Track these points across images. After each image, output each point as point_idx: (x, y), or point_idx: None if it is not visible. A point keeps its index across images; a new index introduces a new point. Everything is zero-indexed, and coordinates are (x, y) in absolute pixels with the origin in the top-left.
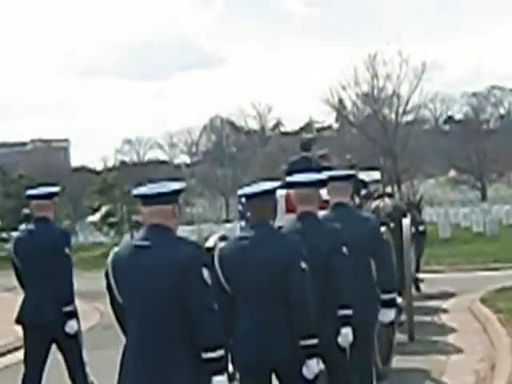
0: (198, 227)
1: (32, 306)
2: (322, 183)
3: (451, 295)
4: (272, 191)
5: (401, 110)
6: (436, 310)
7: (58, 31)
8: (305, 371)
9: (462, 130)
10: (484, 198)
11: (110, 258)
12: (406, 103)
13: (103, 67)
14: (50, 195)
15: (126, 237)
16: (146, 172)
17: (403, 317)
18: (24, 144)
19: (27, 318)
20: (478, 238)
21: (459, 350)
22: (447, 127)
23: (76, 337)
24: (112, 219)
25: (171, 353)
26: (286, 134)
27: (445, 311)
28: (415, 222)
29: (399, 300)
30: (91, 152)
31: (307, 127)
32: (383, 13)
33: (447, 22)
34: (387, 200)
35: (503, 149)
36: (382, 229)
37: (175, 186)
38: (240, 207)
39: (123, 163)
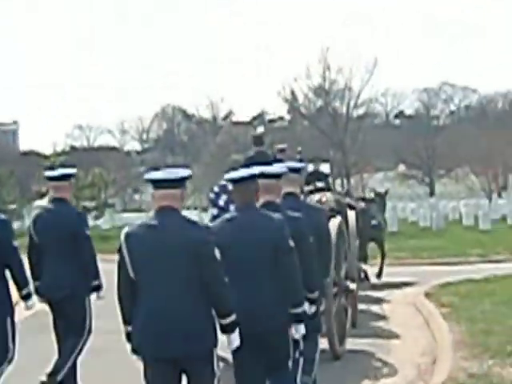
0: (146, 215)
1: (50, 283)
2: (281, 175)
3: (396, 286)
4: (257, 176)
5: (352, 104)
6: (380, 301)
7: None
8: (294, 334)
9: (413, 125)
10: (432, 193)
11: (122, 237)
12: (358, 97)
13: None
14: (68, 177)
15: None
16: (96, 158)
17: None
18: None
19: (47, 294)
20: (425, 233)
21: (401, 343)
22: (398, 122)
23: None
24: None
25: (188, 315)
26: (237, 123)
27: (388, 302)
28: (368, 216)
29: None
30: (41, 136)
31: (259, 118)
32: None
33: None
34: (328, 194)
35: (452, 145)
36: (338, 220)
37: (184, 172)
38: (212, 195)
39: (73, 148)
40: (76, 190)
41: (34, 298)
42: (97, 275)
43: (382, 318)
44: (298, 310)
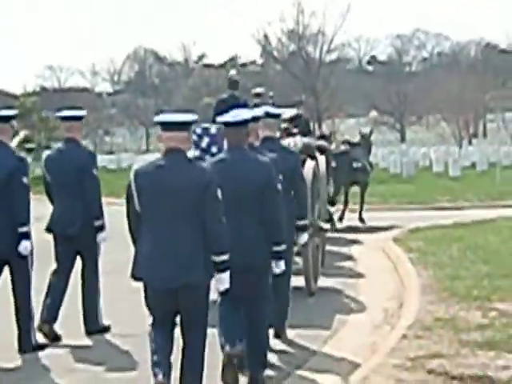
0: (117, 157)
1: (61, 219)
2: (258, 119)
3: (365, 231)
4: (249, 120)
5: (325, 49)
6: (349, 244)
7: None
8: (275, 269)
9: (385, 71)
10: (403, 139)
11: (131, 174)
12: (331, 42)
13: None
14: (80, 118)
15: None
16: (67, 99)
17: None
18: None
19: (57, 229)
20: (395, 179)
21: (369, 288)
22: (370, 68)
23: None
24: (30, 145)
25: (187, 249)
26: (209, 66)
27: (357, 246)
28: (350, 159)
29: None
30: (11, 77)
31: (231, 61)
32: None
33: None
34: (298, 138)
35: (424, 92)
36: (313, 163)
37: (191, 116)
38: (194, 137)
39: (43, 89)
40: (47, 130)
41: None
42: (101, 215)
43: (351, 261)
44: (280, 248)
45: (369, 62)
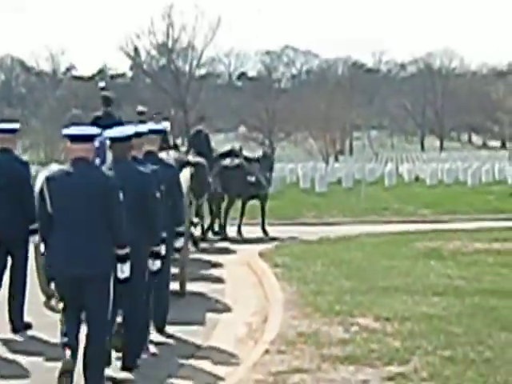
0: None
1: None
2: (141, 135)
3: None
4: (132, 136)
5: (195, 63)
6: (213, 264)
7: None
8: (119, 274)
9: (255, 87)
10: None
11: (43, 180)
12: (200, 56)
13: None
14: (14, 130)
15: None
16: None
17: None
18: None
19: None
20: None
21: (233, 303)
22: (240, 83)
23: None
24: None
25: (94, 244)
26: (78, 78)
27: (221, 265)
28: (245, 173)
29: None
30: None
31: (100, 73)
32: None
33: None
34: (171, 152)
35: (292, 109)
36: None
37: (95, 130)
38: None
39: None
40: None
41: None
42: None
43: (216, 280)
44: (157, 248)
45: (238, 78)
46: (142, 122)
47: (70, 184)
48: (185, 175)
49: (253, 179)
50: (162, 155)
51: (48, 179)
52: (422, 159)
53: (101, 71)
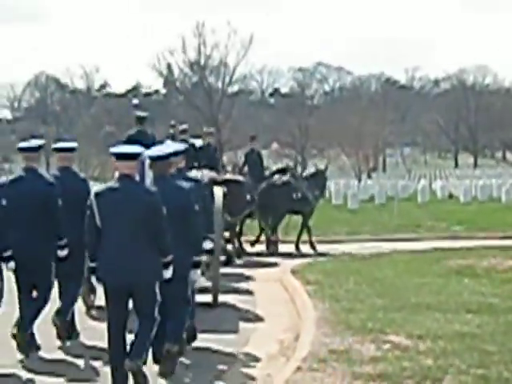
0: None
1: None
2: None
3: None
4: (172, 155)
5: (227, 80)
6: (245, 278)
7: None
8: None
9: (287, 103)
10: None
11: (92, 195)
12: (233, 73)
13: None
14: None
15: None
16: None
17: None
18: None
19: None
20: None
21: (266, 320)
22: (272, 100)
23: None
24: None
25: (141, 253)
26: (111, 95)
27: (254, 280)
28: (290, 190)
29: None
30: None
31: (134, 91)
32: None
33: None
34: (205, 171)
35: (325, 125)
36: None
37: (140, 149)
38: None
39: None
40: None
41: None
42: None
43: (249, 295)
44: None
45: (271, 95)
46: (185, 140)
47: (117, 199)
48: (217, 193)
49: (297, 195)
50: (196, 173)
51: (96, 194)
52: (456, 176)
53: (134, 88)
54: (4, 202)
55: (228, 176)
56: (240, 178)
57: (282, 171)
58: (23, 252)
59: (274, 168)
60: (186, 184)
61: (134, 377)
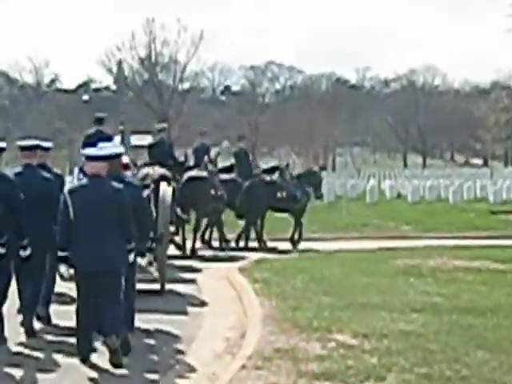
0: None
1: None
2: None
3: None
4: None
5: (178, 77)
6: (194, 273)
7: None
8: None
9: (238, 101)
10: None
11: (66, 192)
12: (183, 70)
13: None
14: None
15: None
16: None
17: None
18: None
19: None
20: None
21: (212, 317)
22: (224, 98)
23: None
24: None
25: (110, 239)
26: (62, 90)
27: (201, 275)
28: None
29: None
30: None
31: (84, 86)
32: None
33: None
34: (157, 168)
35: (276, 124)
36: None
37: (112, 150)
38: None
39: None
40: None
41: None
42: None
43: (195, 289)
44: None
45: (222, 92)
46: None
47: (88, 196)
48: (165, 189)
49: (282, 195)
50: (149, 170)
51: (70, 191)
52: (405, 176)
53: (85, 84)
54: None
55: (193, 173)
56: (204, 174)
57: (272, 170)
58: None
59: (264, 167)
60: (119, 185)
61: (113, 354)
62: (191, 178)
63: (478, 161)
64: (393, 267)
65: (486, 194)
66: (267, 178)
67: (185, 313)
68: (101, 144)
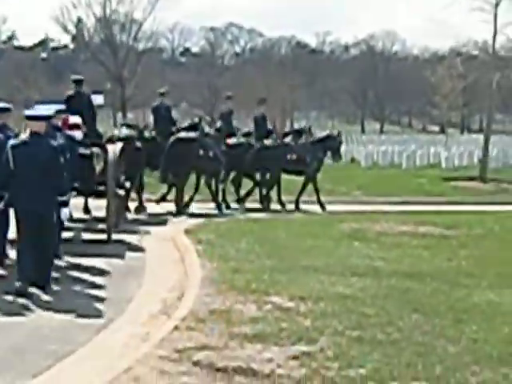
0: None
1: None
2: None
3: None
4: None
5: (133, 36)
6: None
7: None
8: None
9: (198, 63)
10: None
11: (9, 146)
12: (138, 29)
13: None
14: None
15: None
16: None
17: None
18: None
19: None
20: None
21: (153, 277)
22: (183, 59)
23: None
24: None
25: (43, 192)
26: (19, 48)
27: (147, 236)
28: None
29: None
30: None
31: (43, 45)
32: None
33: None
34: (124, 129)
35: (235, 87)
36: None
37: (48, 112)
38: None
39: None
40: None
41: None
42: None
43: (139, 249)
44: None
45: (182, 53)
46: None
47: (27, 150)
48: (112, 149)
49: (293, 156)
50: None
51: (12, 146)
52: (362, 141)
53: (42, 42)
54: None
55: (181, 134)
56: (193, 135)
57: (296, 132)
58: None
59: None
60: (54, 142)
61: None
62: (179, 139)
63: (436, 128)
64: (338, 231)
65: (439, 160)
66: (277, 141)
67: (125, 274)
68: (37, 106)
